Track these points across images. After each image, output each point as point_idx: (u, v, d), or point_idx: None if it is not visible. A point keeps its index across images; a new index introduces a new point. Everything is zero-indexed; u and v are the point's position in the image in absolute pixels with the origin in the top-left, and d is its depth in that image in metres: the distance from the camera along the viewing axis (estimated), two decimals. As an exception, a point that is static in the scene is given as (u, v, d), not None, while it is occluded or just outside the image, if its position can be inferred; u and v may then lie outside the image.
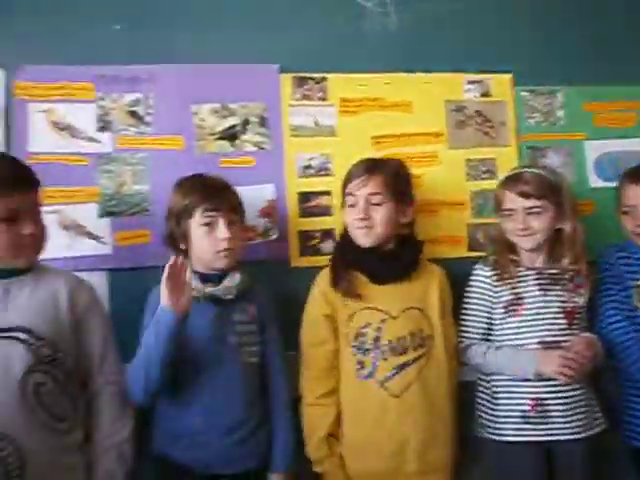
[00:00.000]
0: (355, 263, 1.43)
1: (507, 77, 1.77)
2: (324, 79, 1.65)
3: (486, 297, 1.53)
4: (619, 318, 1.57)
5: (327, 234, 1.61)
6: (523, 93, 1.78)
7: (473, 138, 1.73)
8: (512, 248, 1.55)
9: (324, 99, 1.65)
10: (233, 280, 1.35)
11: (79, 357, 1.23)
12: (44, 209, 1.28)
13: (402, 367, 1.39)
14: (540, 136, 1.78)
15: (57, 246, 1.42)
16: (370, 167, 1.42)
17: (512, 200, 1.50)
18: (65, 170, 1.50)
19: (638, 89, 1.84)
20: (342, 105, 1.66)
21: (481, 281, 1.54)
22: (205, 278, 1.35)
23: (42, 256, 1.26)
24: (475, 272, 1.57)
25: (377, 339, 1.39)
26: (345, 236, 1.47)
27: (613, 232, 1.70)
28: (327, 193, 1.62)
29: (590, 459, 1.47)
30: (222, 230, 1.31)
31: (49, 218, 1.36)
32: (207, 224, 1.32)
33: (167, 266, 1.21)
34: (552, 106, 1.79)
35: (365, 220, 1.40)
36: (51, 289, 1.21)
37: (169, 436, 1.32)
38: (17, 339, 1.13)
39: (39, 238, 1.21)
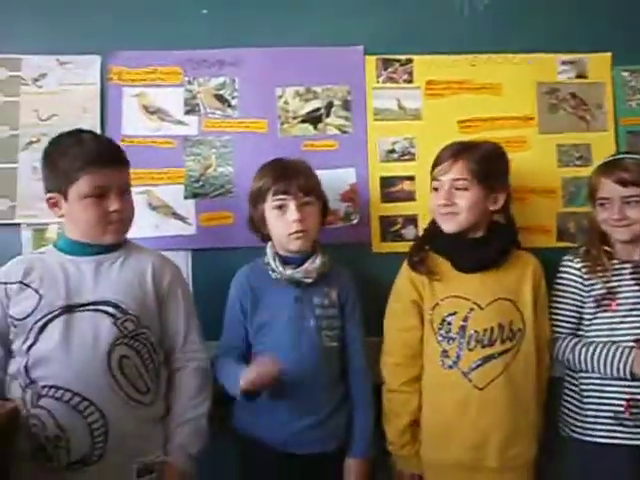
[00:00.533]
0: (441, 249, 1.40)
1: (606, 56, 1.65)
2: (410, 61, 1.61)
3: (576, 290, 1.45)
4: None
5: (410, 220, 1.58)
6: (623, 73, 1.66)
7: (566, 122, 1.64)
8: (605, 239, 1.46)
9: (410, 81, 1.61)
10: (313, 263, 1.35)
11: (162, 333, 1.27)
12: (135, 190, 1.33)
13: (488, 359, 1.34)
14: (641, 120, 1.66)
15: (145, 226, 1.48)
16: (457, 151, 1.37)
17: (609, 188, 1.40)
18: (154, 152, 1.55)
19: None
20: (428, 88, 1.61)
21: (571, 273, 1.46)
22: (286, 261, 1.35)
23: (131, 235, 1.31)
24: (564, 264, 1.49)
25: (463, 328, 1.35)
26: (433, 221, 1.44)
27: None
28: (411, 178, 1.59)
29: None
30: (292, 212, 1.32)
31: (139, 198, 1.42)
32: (279, 207, 1.33)
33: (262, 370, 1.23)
34: (656, 86, 1.66)
35: (448, 206, 1.36)
36: (139, 267, 1.26)
37: (250, 415, 1.34)
38: (106, 312, 1.18)
39: (126, 216, 1.25)
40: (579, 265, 1.45)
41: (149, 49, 1.57)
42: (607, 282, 1.41)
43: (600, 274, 1.42)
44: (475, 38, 1.64)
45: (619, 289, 1.41)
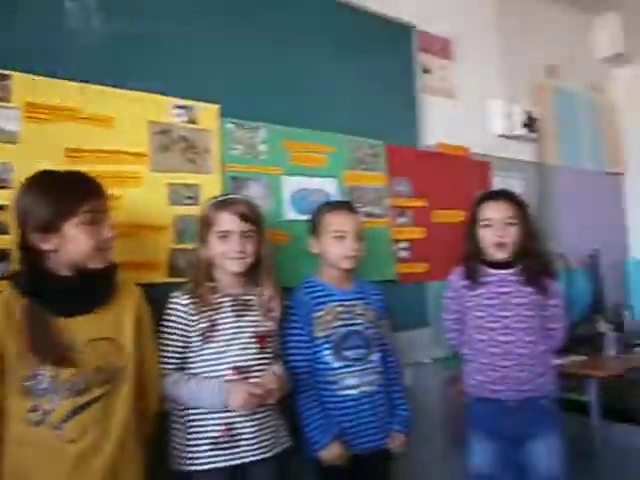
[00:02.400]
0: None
1: (214, 107, 1.80)
2: (6, 77, 1.43)
3: (182, 325, 1.51)
4: (301, 346, 1.72)
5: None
6: (228, 125, 1.84)
7: (178, 162, 1.71)
8: (210, 275, 1.57)
9: (6, 100, 1.43)
10: None
11: None
12: None
13: (82, 408, 1.24)
14: (243, 167, 1.86)
15: None
16: None
17: (229, 222, 1.53)
18: None
19: (328, 135, 2.09)
20: (28, 110, 1.45)
21: (178, 309, 1.52)
22: None
23: None
24: (172, 300, 1.54)
25: (54, 377, 1.22)
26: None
27: (306, 261, 1.88)
28: (1, 207, 1.39)
29: (280, 477, 1.56)
30: None
31: None
32: None
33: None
34: (255, 140, 1.90)
35: None
36: None
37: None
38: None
39: None
40: (186, 301, 1.52)
41: None
42: (210, 316, 1.52)
43: (204, 308, 1.51)
44: (89, 66, 1.57)
45: (221, 321, 1.52)
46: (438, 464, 2.30)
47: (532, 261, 1.88)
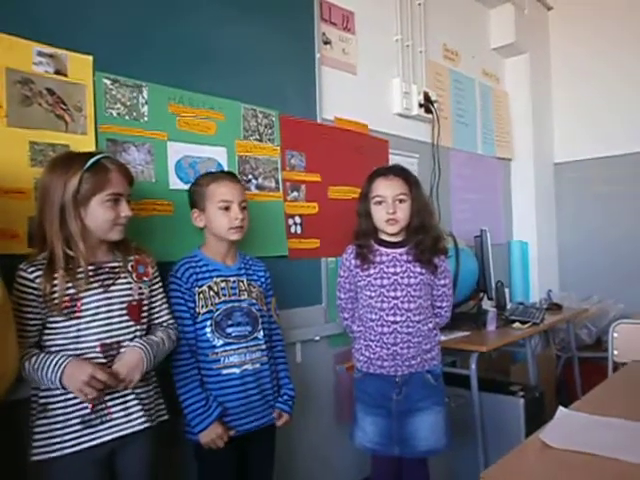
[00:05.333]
0: None
1: (87, 58, 1.61)
2: None
3: (35, 303, 1.33)
4: (183, 323, 1.63)
5: None
6: (105, 80, 1.65)
7: (42, 119, 1.51)
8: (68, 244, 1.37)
9: None
10: None
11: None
12: None
13: None
14: (122, 129, 1.69)
15: None
16: None
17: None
18: None
19: (219, 100, 1.96)
20: None
21: (25, 284, 1.33)
22: None
23: None
24: (19, 274, 1.33)
25: None
26: None
27: (190, 233, 1.77)
28: None
29: (153, 450, 1.49)
30: None
31: None
32: None
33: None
34: (137, 100, 1.73)
35: None
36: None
37: None
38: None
39: None
40: (35, 274, 1.33)
41: None
42: (69, 288, 1.35)
43: (63, 280, 1.34)
44: None
45: (83, 294, 1.36)
46: (326, 440, 2.31)
47: (423, 239, 1.89)
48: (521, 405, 2.31)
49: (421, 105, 2.93)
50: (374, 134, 2.66)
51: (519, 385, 2.48)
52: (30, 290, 1.33)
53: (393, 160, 2.72)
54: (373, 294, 1.90)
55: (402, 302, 1.87)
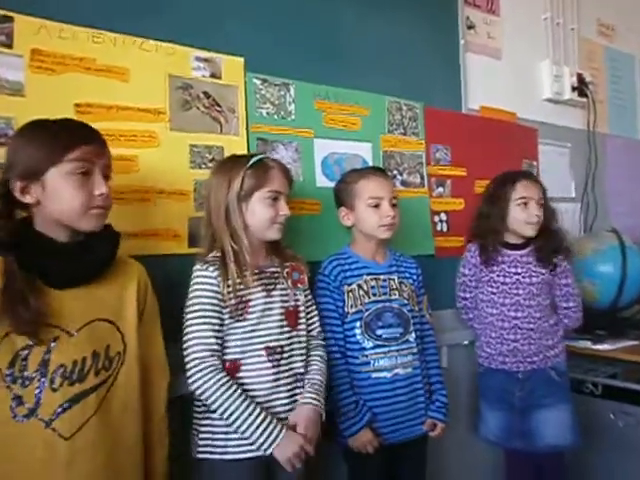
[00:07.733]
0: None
1: (239, 60, 1.63)
2: (8, 19, 1.27)
3: (216, 301, 1.32)
4: (333, 323, 1.59)
5: None
6: (255, 81, 1.66)
7: (200, 122, 1.55)
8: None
9: (9, 46, 1.28)
10: None
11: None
12: None
13: (77, 399, 1.07)
14: (271, 128, 1.69)
15: None
16: None
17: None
18: None
19: (363, 94, 1.90)
20: (34, 58, 1.30)
21: (208, 282, 1.32)
22: None
23: None
24: (199, 273, 1.33)
25: (45, 363, 1.05)
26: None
27: (336, 231, 1.73)
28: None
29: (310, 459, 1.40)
30: None
31: None
32: None
33: None
34: (284, 99, 1.73)
35: None
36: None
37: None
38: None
39: None
40: (214, 273, 1.32)
41: None
42: (238, 291, 1.33)
43: (234, 282, 1.33)
44: (103, 11, 1.41)
45: (251, 297, 1.35)
46: (476, 456, 2.16)
47: (546, 241, 1.92)
48: None
49: (574, 88, 2.65)
50: (522, 122, 2.45)
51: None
52: (214, 290, 1.32)
53: (543, 151, 2.50)
54: (495, 290, 1.94)
55: (524, 299, 1.90)
